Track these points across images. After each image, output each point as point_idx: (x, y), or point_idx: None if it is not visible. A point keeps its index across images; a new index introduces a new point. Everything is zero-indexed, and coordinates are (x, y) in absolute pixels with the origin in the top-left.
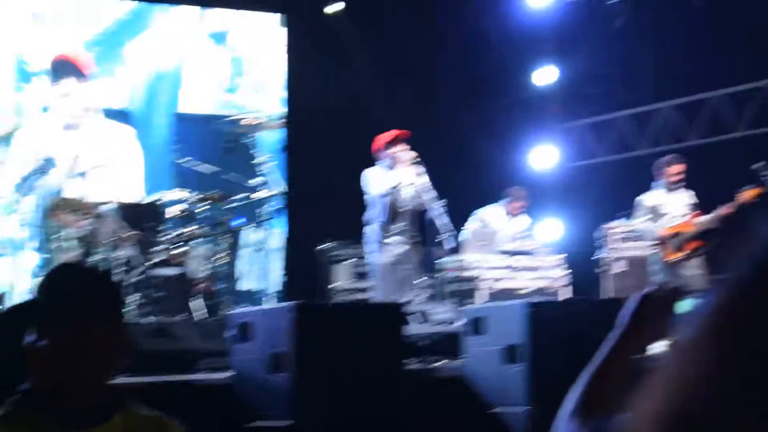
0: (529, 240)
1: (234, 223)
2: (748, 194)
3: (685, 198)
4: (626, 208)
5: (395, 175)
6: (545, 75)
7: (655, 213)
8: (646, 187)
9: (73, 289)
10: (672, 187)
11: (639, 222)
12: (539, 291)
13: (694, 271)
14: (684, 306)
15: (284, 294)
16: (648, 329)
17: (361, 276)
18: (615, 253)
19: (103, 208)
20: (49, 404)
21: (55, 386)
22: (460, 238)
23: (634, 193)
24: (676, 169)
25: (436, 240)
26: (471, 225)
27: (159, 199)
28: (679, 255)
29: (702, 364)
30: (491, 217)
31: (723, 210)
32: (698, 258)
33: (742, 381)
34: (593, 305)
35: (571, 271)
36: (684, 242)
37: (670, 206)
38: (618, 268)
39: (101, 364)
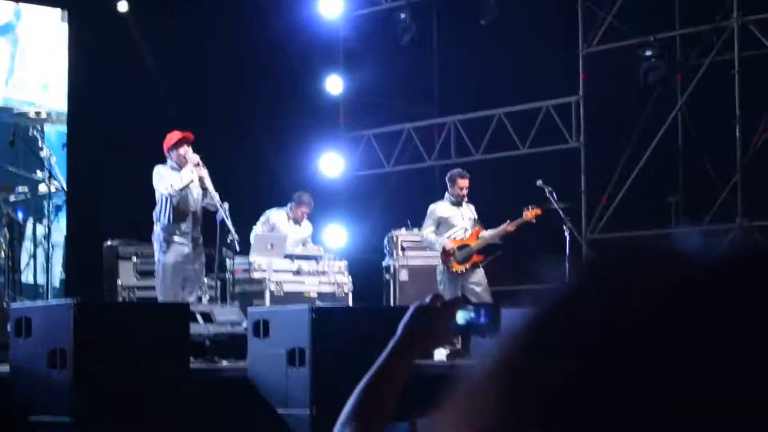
0: (311, 245)
1: (18, 217)
2: (531, 213)
3: (468, 212)
4: (411, 218)
5: (183, 176)
6: (334, 84)
7: (445, 224)
8: (428, 198)
9: None
10: (458, 200)
11: (427, 232)
12: (326, 296)
13: (477, 282)
14: (460, 317)
15: (64, 290)
16: (422, 339)
17: (145, 274)
18: (400, 261)
19: None
20: None
21: None
22: (250, 240)
23: (419, 203)
24: (463, 183)
25: (226, 241)
26: (258, 227)
27: None
28: (464, 267)
29: (494, 391)
30: (277, 221)
31: (507, 226)
32: (480, 270)
33: (525, 415)
34: (377, 312)
35: (351, 278)
36: (470, 255)
37: (457, 219)
38: (403, 276)
39: None
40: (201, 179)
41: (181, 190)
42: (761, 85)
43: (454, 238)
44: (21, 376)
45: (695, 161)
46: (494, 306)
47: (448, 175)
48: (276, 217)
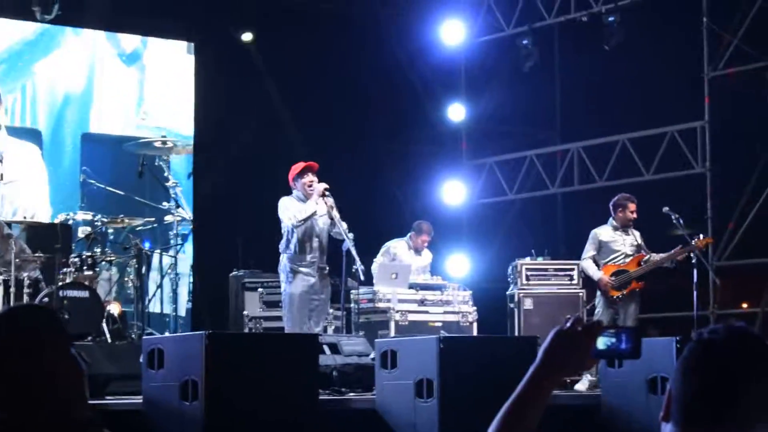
0: (431, 275)
1: (145, 247)
2: (702, 242)
3: (631, 238)
4: (535, 246)
5: (308, 206)
6: (456, 111)
7: (606, 249)
8: (551, 226)
9: (28, 326)
10: (623, 225)
11: (586, 258)
12: (450, 325)
13: (632, 309)
14: (600, 342)
15: (191, 320)
16: (562, 364)
17: (271, 305)
18: (525, 289)
19: (10, 227)
20: None
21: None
22: (372, 270)
23: (542, 231)
24: (633, 207)
25: (352, 271)
26: (379, 258)
27: (68, 220)
28: (621, 293)
29: None
30: (398, 251)
31: (675, 253)
32: (638, 297)
33: None
34: (504, 342)
35: (476, 307)
36: (628, 281)
37: (618, 244)
38: (528, 304)
39: (69, 394)
40: (328, 208)
41: (304, 220)
42: None
43: (613, 263)
44: (153, 408)
45: None
46: (636, 331)
47: (615, 200)
48: (396, 247)
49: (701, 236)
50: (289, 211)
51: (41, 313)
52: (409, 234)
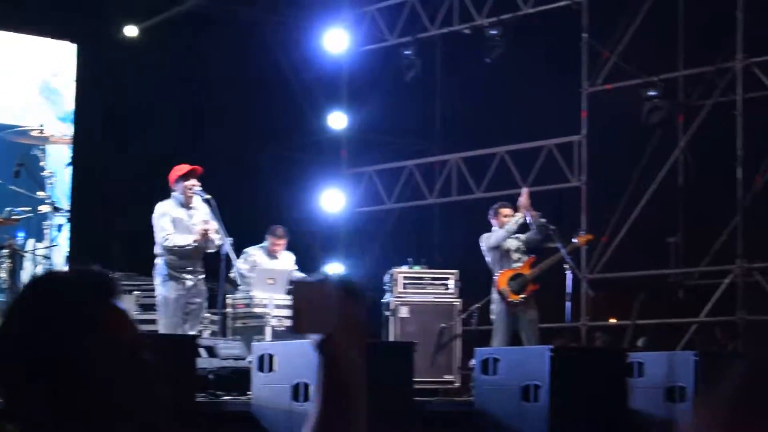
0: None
1: (17, 238)
2: (582, 239)
3: (517, 241)
4: (412, 255)
5: (188, 239)
6: (337, 120)
7: (502, 254)
8: (428, 236)
9: None
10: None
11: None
12: None
13: (533, 315)
14: None
15: None
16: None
17: (146, 308)
18: (401, 297)
19: None
20: None
21: None
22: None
23: (419, 240)
24: (507, 212)
25: (229, 275)
26: (240, 264)
27: None
28: (520, 297)
29: None
30: (256, 257)
31: (557, 256)
32: (534, 302)
33: None
34: (379, 348)
35: None
36: (525, 284)
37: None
38: (403, 312)
39: None
40: (206, 213)
41: (174, 248)
42: (763, 126)
43: (507, 269)
44: None
45: (696, 202)
46: None
47: (492, 208)
48: (254, 254)
49: (582, 232)
50: (164, 230)
51: None
52: (265, 240)
